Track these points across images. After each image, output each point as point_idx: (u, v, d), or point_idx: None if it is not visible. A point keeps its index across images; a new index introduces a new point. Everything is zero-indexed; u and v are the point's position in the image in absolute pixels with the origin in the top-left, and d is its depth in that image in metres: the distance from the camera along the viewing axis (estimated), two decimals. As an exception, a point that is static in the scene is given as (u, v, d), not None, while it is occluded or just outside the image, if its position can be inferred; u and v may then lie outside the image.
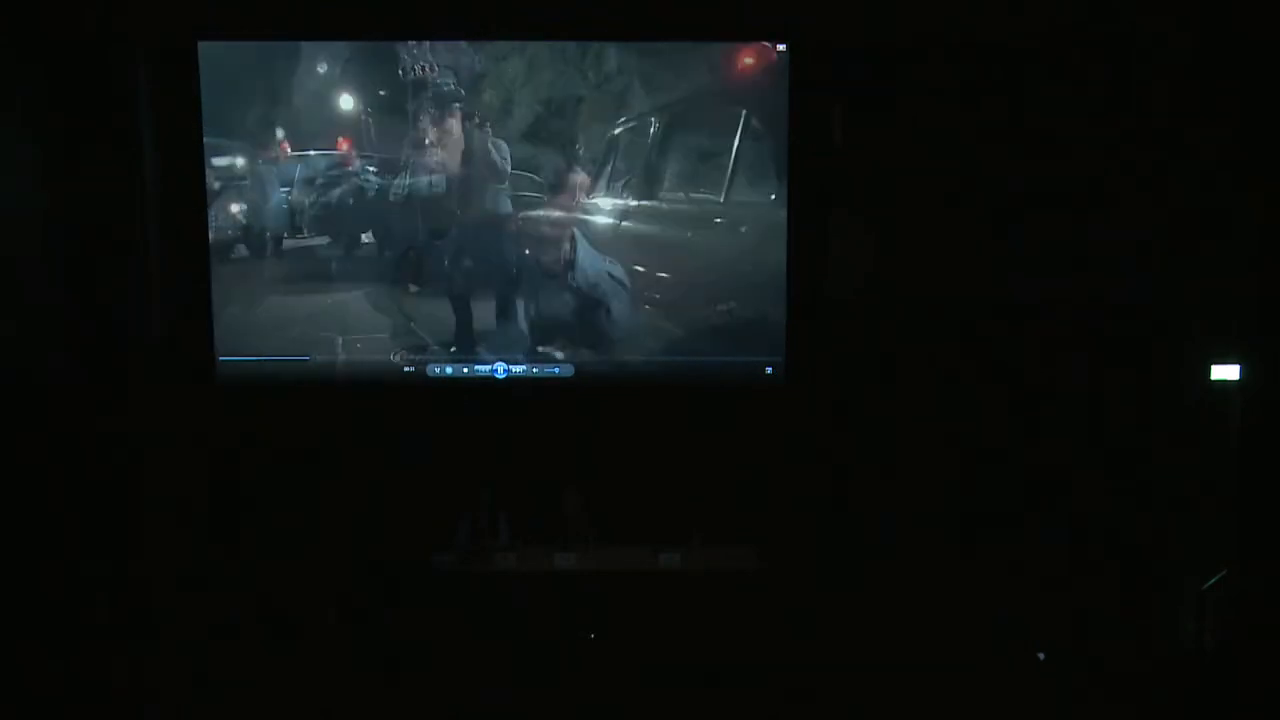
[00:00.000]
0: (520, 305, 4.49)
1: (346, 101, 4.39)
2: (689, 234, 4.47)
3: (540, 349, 4.50)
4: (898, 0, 4.26)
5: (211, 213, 4.37)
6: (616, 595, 4.16)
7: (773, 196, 4.41)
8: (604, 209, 4.45)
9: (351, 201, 4.45)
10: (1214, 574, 4.01)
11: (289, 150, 4.40)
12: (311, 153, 4.42)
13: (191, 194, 4.42)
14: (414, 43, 4.33)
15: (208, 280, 4.47)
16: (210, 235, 4.40)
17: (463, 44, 4.34)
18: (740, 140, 4.40)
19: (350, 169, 4.41)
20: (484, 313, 4.50)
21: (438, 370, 4.56)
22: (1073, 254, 4.31)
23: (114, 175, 4.36)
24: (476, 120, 4.39)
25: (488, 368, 4.55)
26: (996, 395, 4.33)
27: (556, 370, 4.54)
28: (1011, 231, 4.32)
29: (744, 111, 4.38)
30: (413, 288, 4.46)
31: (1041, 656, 4.02)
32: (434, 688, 3.95)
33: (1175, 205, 4.18)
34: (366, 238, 4.45)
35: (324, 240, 4.47)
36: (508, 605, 4.15)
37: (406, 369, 4.54)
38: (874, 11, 4.27)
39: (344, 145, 4.40)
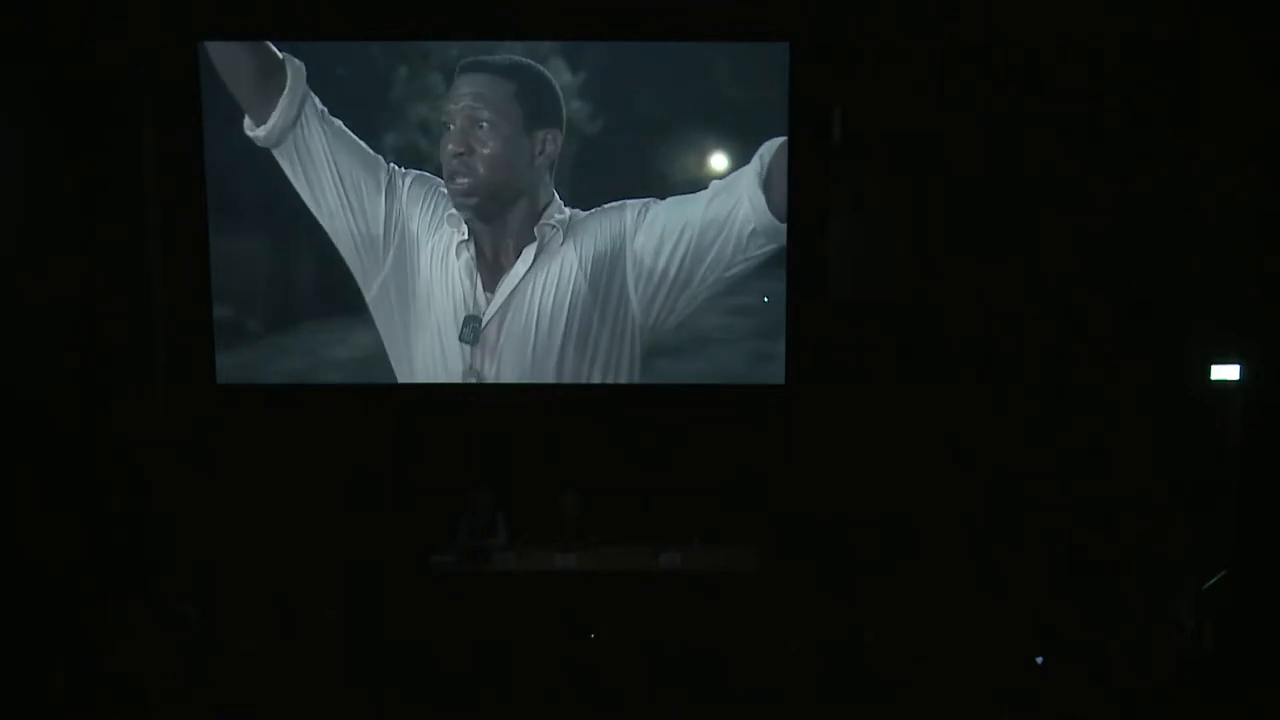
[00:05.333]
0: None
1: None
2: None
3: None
4: (898, 1, 4.27)
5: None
6: (616, 595, 4.16)
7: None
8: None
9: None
10: (1214, 574, 4.01)
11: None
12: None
13: (192, 193, 4.42)
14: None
15: (208, 281, 4.47)
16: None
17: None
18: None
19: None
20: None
21: (438, 370, 4.54)
22: (1073, 254, 4.31)
23: (114, 175, 4.37)
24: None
25: (488, 368, 4.53)
26: (997, 395, 4.33)
27: (556, 370, 4.53)
28: (1012, 232, 4.32)
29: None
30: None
31: (1039, 660, 4.01)
32: (434, 688, 3.95)
33: (1176, 206, 4.19)
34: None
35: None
36: (508, 605, 4.14)
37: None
38: (874, 11, 4.27)
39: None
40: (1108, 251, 4.28)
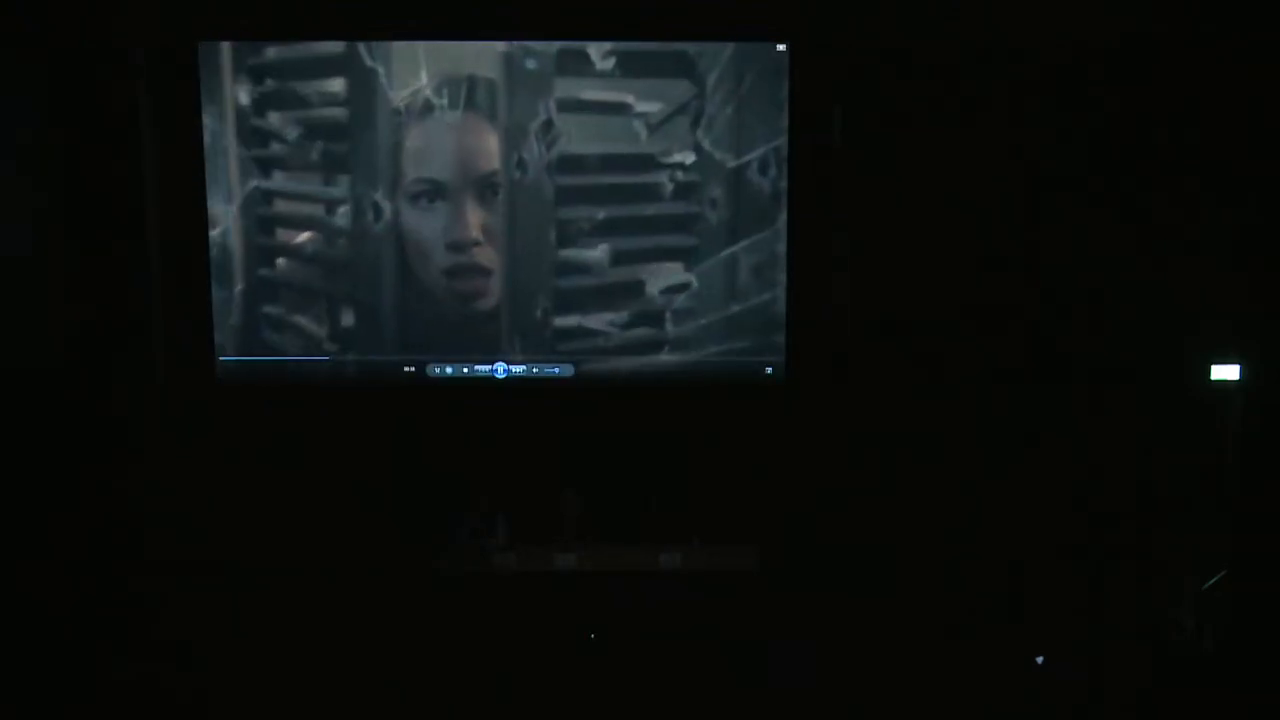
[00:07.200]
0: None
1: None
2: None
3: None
4: (898, 1, 4.27)
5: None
6: (616, 595, 4.17)
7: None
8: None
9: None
10: (1214, 574, 4.01)
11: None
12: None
13: (191, 193, 4.42)
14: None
15: (208, 279, 4.47)
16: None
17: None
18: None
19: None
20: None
21: (438, 370, 4.55)
22: (1072, 254, 4.31)
23: (114, 175, 4.36)
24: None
25: (488, 368, 4.54)
26: (996, 395, 4.33)
27: (556, 370, 4.54)
28: (1012, 232, 4.32)
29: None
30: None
31: (1040, 660, 4.02)
32: (433, 689, 3.95)
33: (1175, 205, 4.19)
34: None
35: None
36: (508, 605, 4.15)
37: (407, 368, 4.54)
38: (874, 11, 4.27)
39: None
40: (1107, 251, 4.28)
